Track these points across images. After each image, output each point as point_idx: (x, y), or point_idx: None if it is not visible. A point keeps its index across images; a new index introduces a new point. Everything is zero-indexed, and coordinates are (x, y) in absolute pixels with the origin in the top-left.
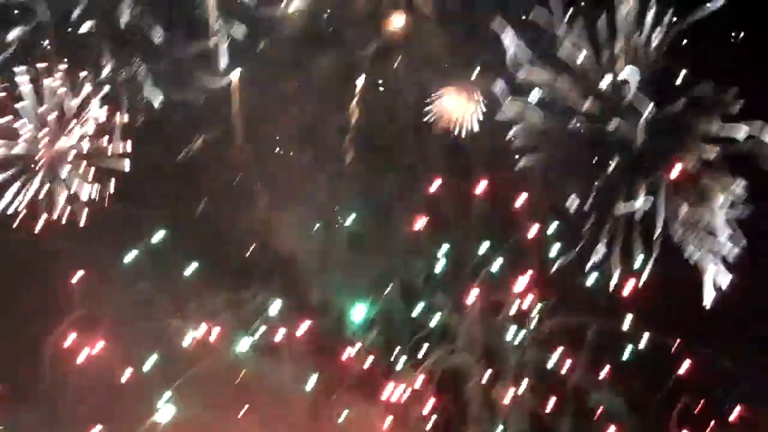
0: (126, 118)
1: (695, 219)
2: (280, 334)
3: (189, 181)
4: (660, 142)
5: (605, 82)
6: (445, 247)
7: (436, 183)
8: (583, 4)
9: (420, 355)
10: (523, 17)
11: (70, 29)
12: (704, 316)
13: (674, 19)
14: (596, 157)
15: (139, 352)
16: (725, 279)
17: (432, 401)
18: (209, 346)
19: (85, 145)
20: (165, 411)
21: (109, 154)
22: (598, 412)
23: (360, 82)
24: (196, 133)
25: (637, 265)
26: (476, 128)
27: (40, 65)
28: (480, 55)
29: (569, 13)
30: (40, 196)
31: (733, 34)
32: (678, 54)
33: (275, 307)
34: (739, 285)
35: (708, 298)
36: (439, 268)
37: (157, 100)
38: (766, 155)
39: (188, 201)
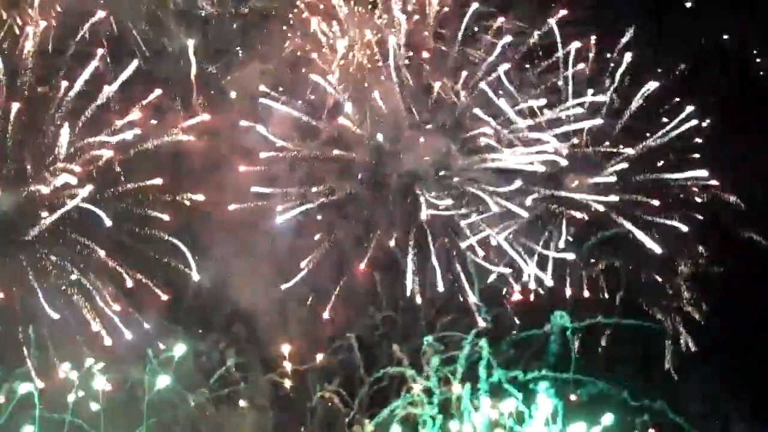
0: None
1: (656, 279)
2: (240, 384)
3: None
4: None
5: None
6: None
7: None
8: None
9: (377, 406)
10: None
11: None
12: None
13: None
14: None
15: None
16: (689, 341)
17: None
18: (170, 394)
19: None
20: None
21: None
22: None
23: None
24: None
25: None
26: None
27: None
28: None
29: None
30: None
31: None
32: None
33: (235, 357)
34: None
35: (669, 359)
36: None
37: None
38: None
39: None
